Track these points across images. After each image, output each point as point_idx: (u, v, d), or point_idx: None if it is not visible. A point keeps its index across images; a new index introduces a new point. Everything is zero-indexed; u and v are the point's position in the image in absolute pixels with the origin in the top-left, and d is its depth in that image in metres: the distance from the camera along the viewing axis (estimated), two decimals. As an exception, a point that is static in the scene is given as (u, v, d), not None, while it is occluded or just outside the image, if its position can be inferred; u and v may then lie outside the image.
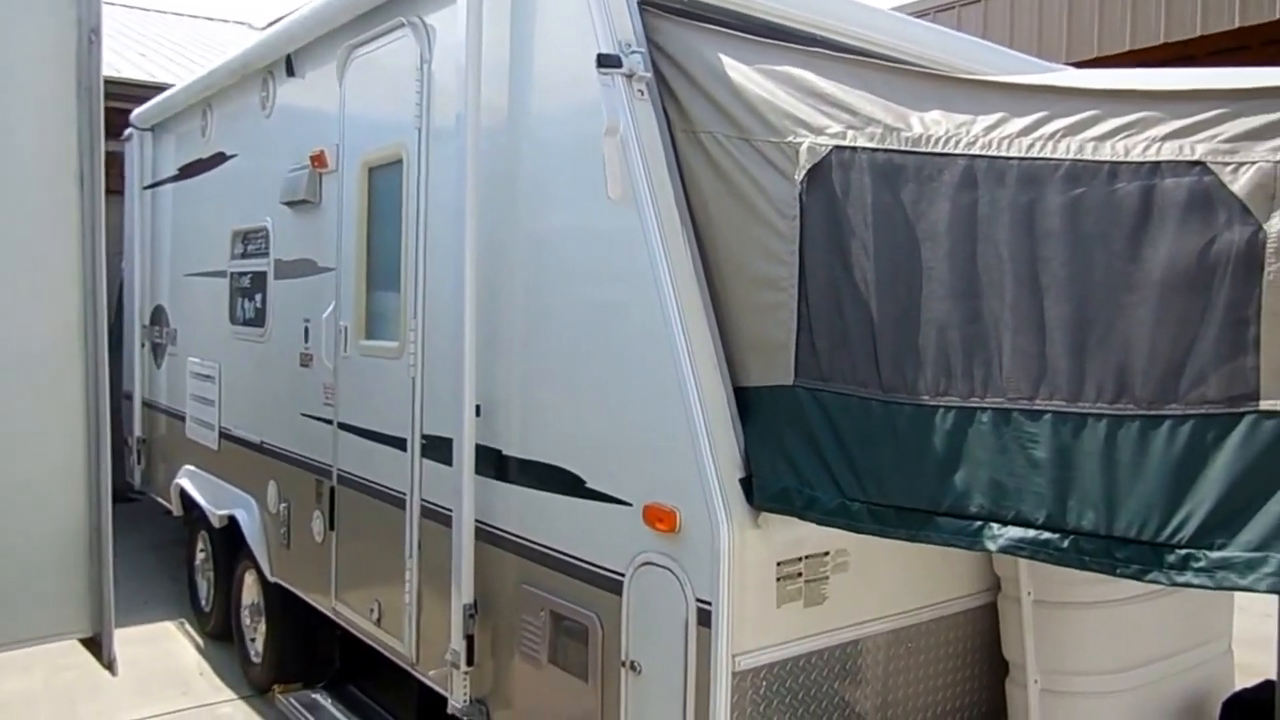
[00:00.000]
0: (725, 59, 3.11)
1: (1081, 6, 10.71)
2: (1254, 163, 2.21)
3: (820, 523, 2.84)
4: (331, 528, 4.85)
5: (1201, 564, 2.23)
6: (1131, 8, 10.29)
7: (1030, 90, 2.61)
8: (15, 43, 3.05)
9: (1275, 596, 2.22)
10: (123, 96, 8.21)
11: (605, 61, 3.14)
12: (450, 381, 3.79)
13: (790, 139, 2.92)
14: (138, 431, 7.80)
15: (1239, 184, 2.22)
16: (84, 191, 3.15)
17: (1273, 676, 3.75)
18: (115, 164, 8.33)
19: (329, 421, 4.86)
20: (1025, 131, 2.54)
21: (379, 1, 4.36)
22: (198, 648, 6.54)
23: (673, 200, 3.13)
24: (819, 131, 2.88)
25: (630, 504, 3.17)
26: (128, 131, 7.93)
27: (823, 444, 2.85)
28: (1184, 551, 2.26)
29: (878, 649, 3.33)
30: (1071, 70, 4.81)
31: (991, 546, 2.53)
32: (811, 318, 2.89)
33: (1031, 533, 2.48)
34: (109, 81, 9.28)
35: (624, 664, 3.16)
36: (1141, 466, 2.33)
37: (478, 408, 3.74)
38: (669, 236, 3.07)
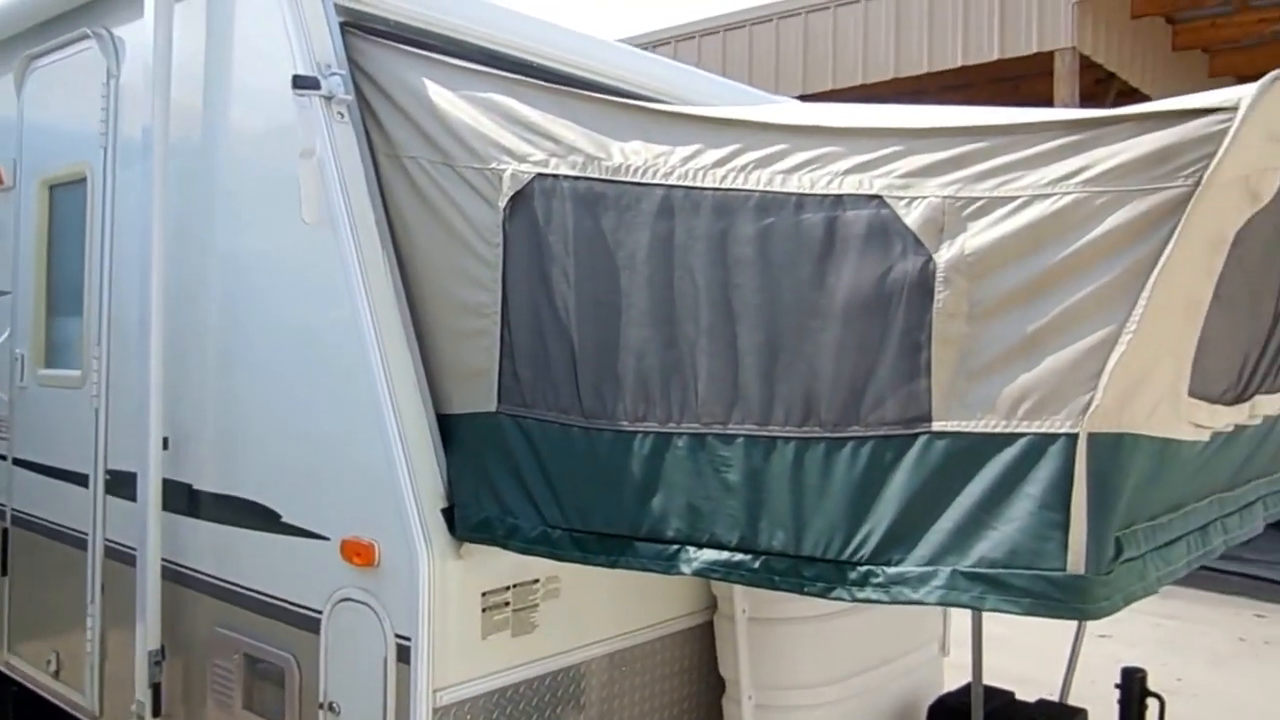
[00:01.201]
0: (430, 84, 2.90)
1: (816, 42, 11.18)
2: (925, 197, 2.22)
3: (522, 552, 2.67)
4: (4, 573, 4.23)
5: (879, 580, 2.20)
6: (863, 46, 10.83)
7: (725, 123, 2.55)
8: None
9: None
10: None
11: (301, 83, 2.87)
12: (136, 413, 3.35)
13: (494, 165, 2.75)
14: None
15: (911, 217, 2.22)
16: None
17: (984, 679, 3.80)
18: None
19: (2, 457, 4.25)
20: (720, 163, 2.48)
21: (61, 9, 3.87)
22: None
23: (373, 224, 2.89)
24: (522, 159, 2.72)
25: (328, 538, 2.88)
26: None
27: (525, 472, 2.69)
28: (864, 568, 2.23)
29: (594, 673, 3.17)
30: (793, 103, 4.90)
31: (687, 570, 2.43)
32: (514, 344, 2.73)
33: (725, 555, 2.39)
34: None
35: (322, 706, 2.86)
36: (827, 487, 2.29)
37: (165, 440, 3.33)
38: (368, 261, 2.83)
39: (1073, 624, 3.65)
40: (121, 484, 3.55)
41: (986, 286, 2.14)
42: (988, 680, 3.80)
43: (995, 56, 10.00)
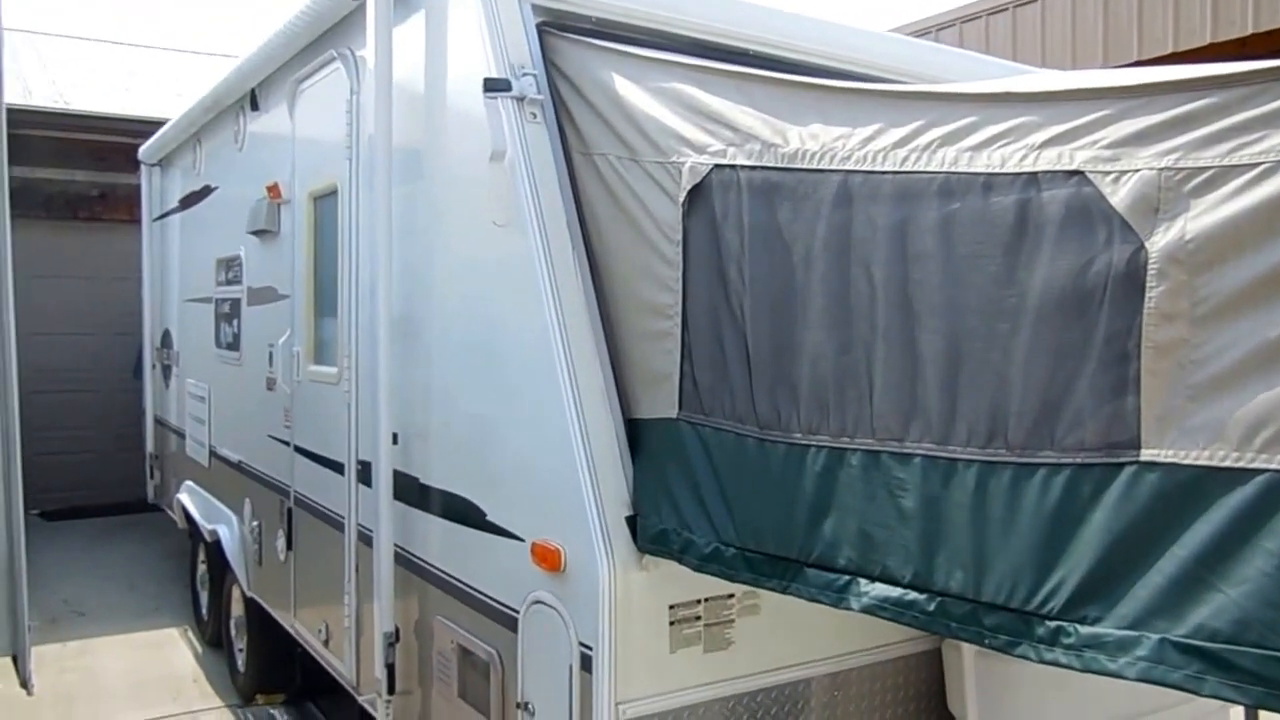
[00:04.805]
0: (618, 78, 2.68)
1: (1085, 17, 10.09)
2: (1136, 171, 1.73)
3: (695, 569, 2.40)
4: (290, 547, 4.47)
5: (1071, 640, 1.76)
6: (1139, 17, 9.62)
7: (910, 97, 2.14)
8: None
9: None
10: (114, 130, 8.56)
11: (492, 85, 2.73)
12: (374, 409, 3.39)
13: (674, 159, 2.49)
14: (150, 447, 7.47)
15: (1119, 196, 1.74)
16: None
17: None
18: (133, 196, 8.11)
19: (287, 444, 4.49)
20: (901, 143, 2.08)
21: (315, 36, 3.98)
22: (196, 655, 6.17)
23: (564, 224, 2.71)
24: (701, 150, 2.44)
25: (523, 540, 2.75)
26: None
27: (702, 484, 2.41)
28: (1054, 624, 1.78)
29: (798, 698, 2.81)
30: (1044, 72, 4.28)
31: (856, 605, 2.07)
32: (694, 347, 2.46)
33: (897, 592, 2.01)
34: (93, 117, 8.85)
35: (519, 705, 2.74)
36: (1013, 522, 1.85)
37: (395, 435, 3.34)
38: (557, 262, 2.66)
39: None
40: (369, 474, 3.62)
41: (1214, 280, 1.65)
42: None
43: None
